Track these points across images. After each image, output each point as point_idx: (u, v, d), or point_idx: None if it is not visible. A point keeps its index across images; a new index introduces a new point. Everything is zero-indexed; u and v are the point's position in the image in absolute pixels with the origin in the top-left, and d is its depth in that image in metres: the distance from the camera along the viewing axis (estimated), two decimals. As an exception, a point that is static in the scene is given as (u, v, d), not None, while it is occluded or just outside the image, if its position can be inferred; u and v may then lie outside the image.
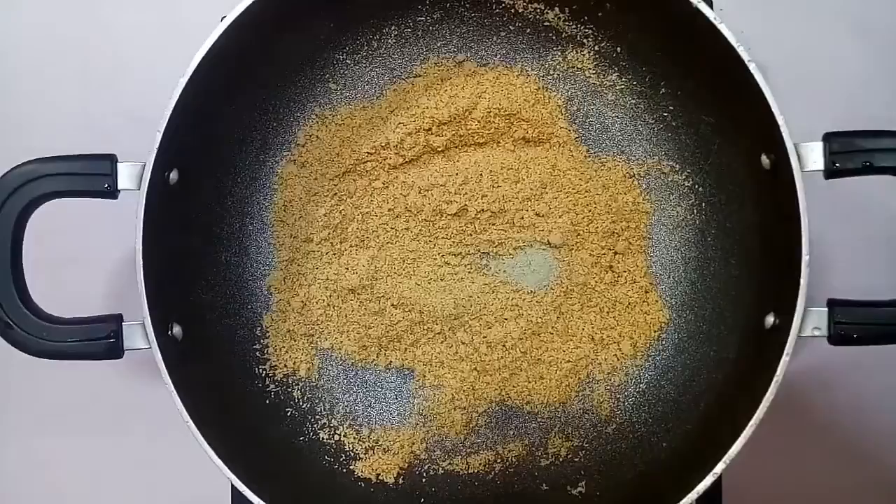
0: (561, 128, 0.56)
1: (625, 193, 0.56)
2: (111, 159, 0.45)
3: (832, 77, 0.59)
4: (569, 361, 0.55)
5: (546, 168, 0.56)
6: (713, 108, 0.52)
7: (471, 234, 0.56)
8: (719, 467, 0.45)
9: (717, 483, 0.55)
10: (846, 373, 0.59)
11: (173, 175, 0.48)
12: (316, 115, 0.56)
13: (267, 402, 0.55)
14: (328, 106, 0.56)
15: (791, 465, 0.59)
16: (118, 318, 0.46)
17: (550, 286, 0.56)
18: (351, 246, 0.57)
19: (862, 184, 0.47)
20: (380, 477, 0.54)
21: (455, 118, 0.55)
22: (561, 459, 0.55)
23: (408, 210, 0.56)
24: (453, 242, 0.56)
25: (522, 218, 0.56)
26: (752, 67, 0.44)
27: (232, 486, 0.46)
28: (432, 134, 0.55)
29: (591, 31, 0.55)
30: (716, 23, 0.45)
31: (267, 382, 0.55)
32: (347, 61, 0.56)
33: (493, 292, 0.56)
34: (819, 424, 0.59)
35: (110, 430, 0.60)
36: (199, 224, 0.53)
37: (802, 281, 0.44)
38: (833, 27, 0.59)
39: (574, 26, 0.55)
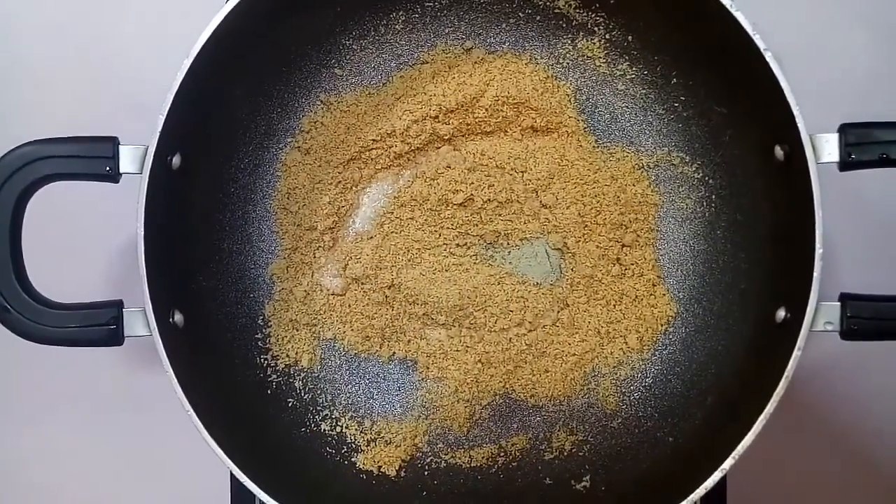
0: (569, 117, 0.55)
1: (633, 185, 0.55)
2: (113, 142, 0.45)
3: (845, 69, 0.58)
4: (574, 355, 0.55)
5: (554, 158, 0.55)
6: (725, 99, 0.51)
7: (476, 225, 0.55)
8: (727, 463, 0.44)
9: (723, 480, 0.55)
10: (855, 370, 0.58)
11: (176, 159, 0.47)
12: (321, 101, 0.56)
13: (268, 392, 0.54)
14: (333, 92, 0.56)
15: (796, 463, 0.59)
16: (119, 305, 0.46)
17: (556, 278, 0.56)
18: (355, 235, 0.56)
19: (874, 176, 0.46)
20: (381, 469, 0.54)
21: (462, 106, 0.54)
22: (565, 453, 0.54)
23: (413, 199, 0.55)
24: (459, 233, 0.56)
25: (529, 208, 0.55)
26: (767, 56, 0.44)
27: (231, 476, 0.45)
28: (439, 122, 0.55)
29: (601, 20, 0.54)
30: (732, 10, 0.44)
31: (268, 372, 0.55)
32: (354, 47, 0.55)
33: (499, 284, 0.55)
34: (825, 422, 0.59)
35: (109, 419, 0.59)
36: (201, 210, 0.52)
37: (815, 275, 0.43)
38: (846, 18, 0.59)
39: (585, 14, 0.54)
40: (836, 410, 0.59)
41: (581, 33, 0.55)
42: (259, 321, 0.55)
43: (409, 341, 0.56)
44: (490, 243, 0.56)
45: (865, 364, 0.58)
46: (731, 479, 0.56)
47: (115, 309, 0.45)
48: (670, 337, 0.55)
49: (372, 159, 0.56)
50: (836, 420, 0.59)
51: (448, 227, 0.56)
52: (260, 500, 0.46)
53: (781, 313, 0.46)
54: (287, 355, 0.55)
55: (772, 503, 0.59)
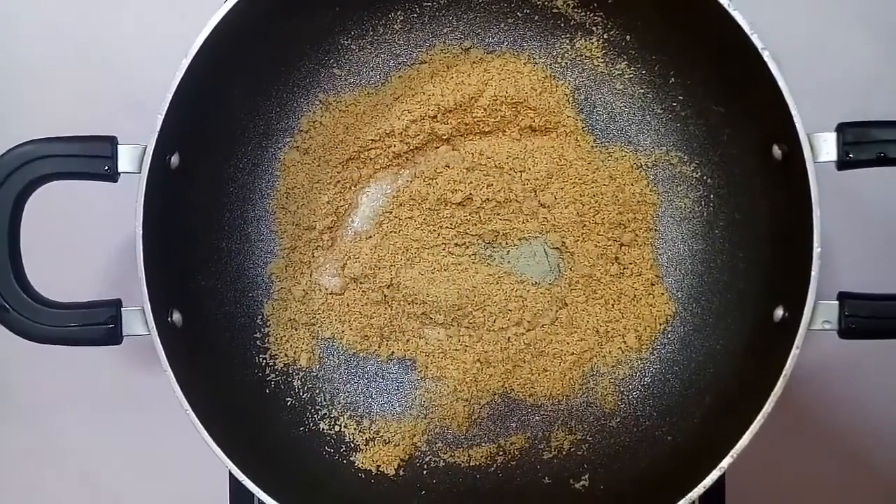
0: (568, 117, 0.55)
1: (632, 184, 0.55)
2: (111, 141, 0.45)
3: (844, 68, 0.59)
4: (573, 354, 0.55)
5: (552, 158, 0.55)
6: (723, 98, 0.51)
7: (475, 224, 0.56)
8: (726, 461, 0.44)
9: (721, 480, 0.55)
10: (853, 370, 0.58)
11: (174, 159, 0.47)
12: (320, 100, 0.56)
13: (267, 391, 0.54)
14: (332, 92, 0.56)
15: (795, 463, 0.59)
16: (117, 304, 0.46)
17: (555, 277, 0.56)
18: (354, 234, 0.56)
19: (873, 176, 0.46)
20: (380, 468, 0.54)
21: (461, 106, 0.54)
22: (564, 453, 0.54)
23: (412, 199, 0.55)
24: (457, 232, 0.56)
25: (528, 208, 0.55)
26: (765, 56, 0.44)
27: (230, 474, 0.45)
28: (437, 121, 0.55)
29: (600, 19, 0.54)
30: (729, 9, 0.44)
31: (267, 371, 0.55)
32: (352, 46, 0.55)
33: (497, 283, 0.55)
34: (823, 422, 0.59)
35: (109, 418, 0.59)
36: (199, 210, 0.52)
37: (813, 273, 0.43)
38: (845, 17, 0.59)
39: (583, 13, 0.54)
40: (834, 411, 0.59)
41: (579, 33, 0.55)
42: (258, 320, 0.55)
43: (407, 340, 0.56)
44: (489, 243, 0.56)
45: (864, 364, 0.58)
46: (730, 479, 0.56)
47: (113, 308, 0.45)
48: (669, 336, 0.55)
49: (371, 159, 0.56)
50: (835, 420, 0.59)
51: (447, 227, 0.56)
52: (259, 499, 0.46)
53: (780, 312, 0.46)
54: (286, 354, 0.55)
55: (770, 503, 0.59)
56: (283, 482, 0.47)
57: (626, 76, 0.55)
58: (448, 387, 0.55)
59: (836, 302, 0.44)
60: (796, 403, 0.58)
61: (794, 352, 0.43)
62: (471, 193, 0.55)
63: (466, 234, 0.56)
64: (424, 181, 0.55)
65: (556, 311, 0.55)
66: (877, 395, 0.59)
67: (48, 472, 0.59)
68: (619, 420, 0.55)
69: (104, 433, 0.59)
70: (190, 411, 0.45)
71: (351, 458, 0.54)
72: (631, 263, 0.55)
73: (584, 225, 0.55)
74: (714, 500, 0.57)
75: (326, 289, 0.56)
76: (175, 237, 0.49)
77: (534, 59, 0.56)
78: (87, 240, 0.58)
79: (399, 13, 0.55)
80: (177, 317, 0.48)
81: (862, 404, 0.59)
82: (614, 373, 0.55)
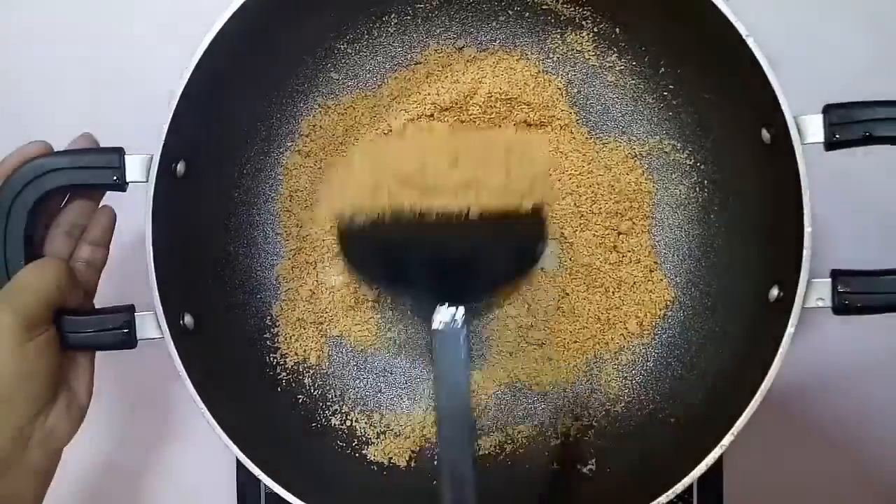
0: (562, 110, 0.56)
1: (627, 174, 0.56)
2: (119, 152, 0.46)
3: (829, 54, 0.59)
4: (576, 342, 0.56)
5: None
6: (713, 86, 0.52)
7: (475, 219, 0.56)
8: (727, 439, 0.45)
9: (719, 473, 0.56)
10: (851, 365, 0.59)
11: (180, 167, 0.48)
12: (319, 104, 0.56)
13: (279, 389, 0.55)
14: (331, 95, 0.57)
15: (794, 458, 0.59)
16: (131, 309, 0.47)
17: (556, 268, 0.57)
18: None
19: (863, 156, 0.47)
20: (392, 460, 0.55)
21: (456, 104, 0.55)
22: (571, 439, 0.55)
23: (412, 196, 0.56)
24: (458, 227, 0.57)
25: (526, 201, 0.56)
26: (750, 42, 0.44)
27: (238, 463, 0.46)
28: (434, 120, 0.56)
29: (589, 13, 0.55)
30: (713, -1, 0.45)
31: (278, 370, 0.56)
32: (348, 50, 0.56)
33: (499, 275, 0.56)
34: (823, 418, 0.59)
35: (122, 417, 0.60)
36: (206, 215, 0.53)
37: (805, 252, 0.44)
38: (829, 4, 0.59)
39: (572, 8, 0.55)
40: (832, 406, 0.59)
41: (569, 27, 0.56)
42: (267, 321, 0.56)
43: (413, 335, 0.57)
44: (489, 237, 0.57)
45: (863, 358, 0.59)
46: (729, 474, 0.57)
47: (127, 313, 0.46)
48: (669, 321, 0.56)
49: (370, 159, 0.57)
50: (833, 415, 0.59)
51: (448, 222, 0.57)
52: (267, 488, 0.46)
53: (775, 292, 0.47)
54: (296, 353, 0.56)
55: (769, 496, 0.60)
56: (297, 476, 0.48)
57: (618, 68, 0.56)
58: (455, 379, 0.56)
59: (829, 279, 0.44)
60: (795, 398, 0.58)
61: (790, 330, 0.44)
62: (470, 189, 0.56)
63: (467, 228, 0.57)
64: (424, 179, 0.56)
65: (558, 301, 0.56)
66: (876, 391, 0.59)
67: (60, 476, 0.60)
68: (623, 405, 0.55)
69: (119, 435, 0.60)
70: (205, 410, 0.46)
71: (363, 452, 0.55)
72: (629, 251, 0.56)
73: (582, 215, 0.56)
74: (713, 492, 0.58)
75: (332, 288, 0.57)
76: (183, 242, 0.50)
77: (526, 55, 0.56)
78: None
79: (393, 16, 0.56)
80: (189, 320, 0.49)
81: (860, 399, 0.59)
82: (617, 359, 0.56)
